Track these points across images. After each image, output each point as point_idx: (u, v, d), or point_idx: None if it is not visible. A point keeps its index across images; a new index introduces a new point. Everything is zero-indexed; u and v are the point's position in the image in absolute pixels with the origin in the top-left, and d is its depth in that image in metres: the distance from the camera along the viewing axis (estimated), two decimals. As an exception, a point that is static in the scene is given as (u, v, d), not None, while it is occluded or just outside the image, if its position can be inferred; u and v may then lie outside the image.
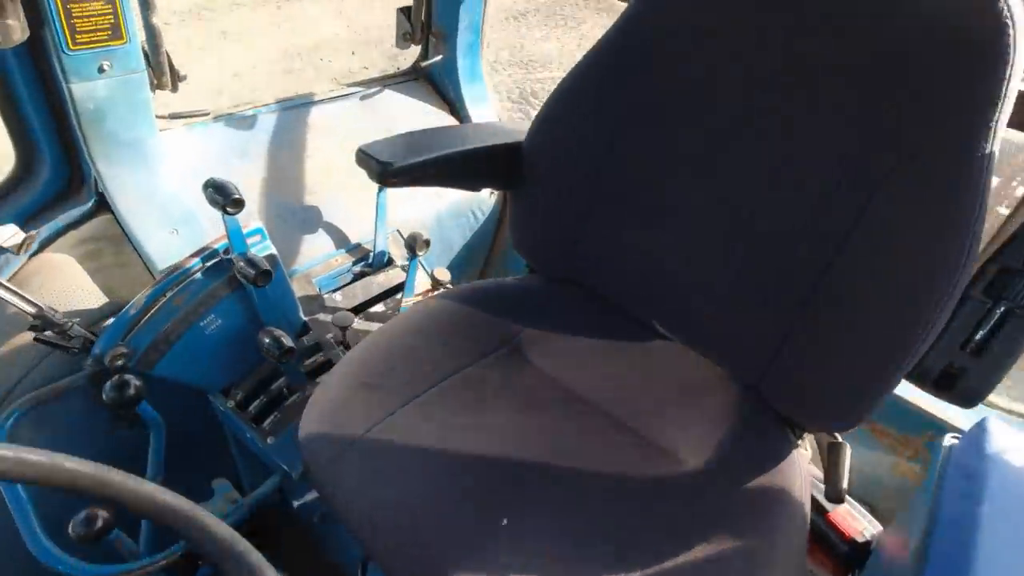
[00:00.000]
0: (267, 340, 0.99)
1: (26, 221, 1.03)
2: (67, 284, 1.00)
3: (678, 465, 0.79)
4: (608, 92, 0.89)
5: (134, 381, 0.88)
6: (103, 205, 1.05)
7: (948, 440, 0.78)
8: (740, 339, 0.86)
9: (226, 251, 1.01)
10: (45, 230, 1.02)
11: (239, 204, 0.92)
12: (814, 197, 0.75)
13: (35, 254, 1.02)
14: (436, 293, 1.02)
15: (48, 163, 1.02)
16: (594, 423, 0.84)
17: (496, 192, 1.52)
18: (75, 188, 1.07)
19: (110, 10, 0.88)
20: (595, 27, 5.74)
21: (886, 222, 0.69)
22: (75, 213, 1.04)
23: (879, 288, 0.70)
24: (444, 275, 1.24)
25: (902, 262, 0.68)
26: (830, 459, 0.84)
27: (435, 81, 1.55)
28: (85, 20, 0.86)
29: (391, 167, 0.84)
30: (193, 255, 0.99)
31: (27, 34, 0.82)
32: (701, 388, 0.91)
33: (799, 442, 0.85)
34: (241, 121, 1.26)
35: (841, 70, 0.71)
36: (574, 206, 0.96)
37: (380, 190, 1.22)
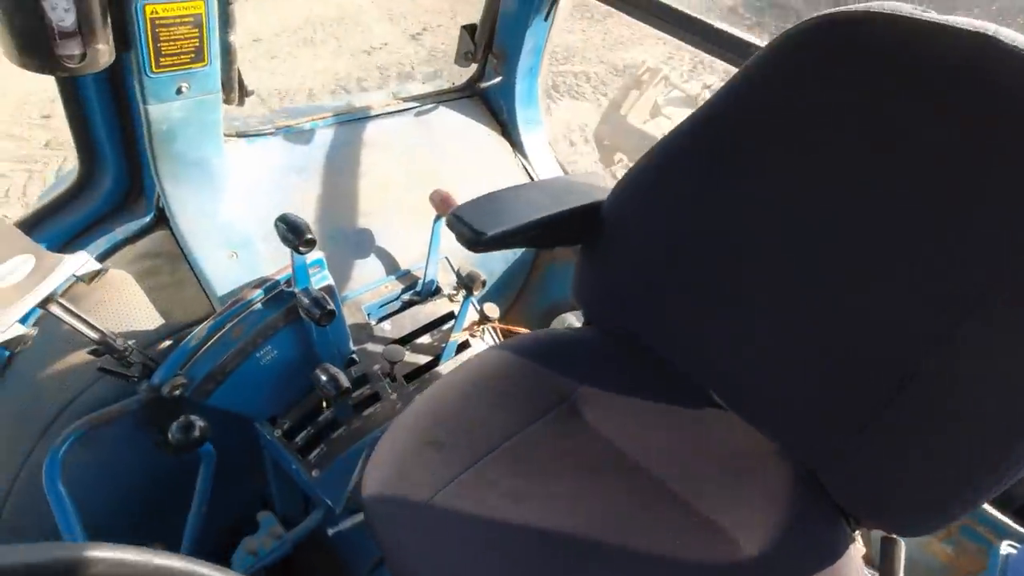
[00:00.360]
0: (324, 378, 0.97)
1: (84, 231, 1.00)
2: (124, 303, 0.97)
3: (735, 550, 0.79)
4: (700, 165, 0.87)
5: (199, 422, 0.86)
6: (161, 220, 1.03)
7: (1005, 548, 0.79)
8: (804, 424, 0.86)
9: (287, 283, 0.99)
10: (104, 242, 0.99)
11: (311, 244, 0.90)
12: (912, 301, 0.74)
13: (91, 267, 0.99)
14: (494, 344, 1.01)
15: (111, 175, 0.99)
16: (651, 495, 0.85)
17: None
18: (133, 200, 1.03)
19: (196, 34, 0.85)
20: (619, 23, 5.66)
21: (989, 342, 0.68)
22: (133, 226, 1.01)
23: (972, 408, 0.69)
24: (493, 311, 1.23)
25: (1000, 387, 0.68)
26: (884, 554, 0.85)
27: (489, 101, 1.51)
28: (171, 44, 0.83)
29: (484, 236, 0.83)
30: (255, 286, 0.97)
31: (114, 57, 0.78)
32: (755, 464, 0.91)
33: (854, 535, 0.86)
34: (299, 135, 1.22)
35: (967, 178, 0.70)
36: (647, 268, 0.96)
37: (437, 219, 1.20)
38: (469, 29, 1.38)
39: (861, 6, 0.74)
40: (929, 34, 0.68)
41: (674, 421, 0.96)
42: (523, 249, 1.49)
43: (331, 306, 0.95)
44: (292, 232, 0.89)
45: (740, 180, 0.85)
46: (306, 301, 0.95)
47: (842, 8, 0.76)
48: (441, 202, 1.18)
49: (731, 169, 0.85)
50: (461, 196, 1.32)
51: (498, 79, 1.44)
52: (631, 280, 0.97)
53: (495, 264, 1.46)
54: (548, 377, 0.96)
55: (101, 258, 0.99)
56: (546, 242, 0.96)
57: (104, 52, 0.76)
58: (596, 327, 1.08)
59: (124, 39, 0.80)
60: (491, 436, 0.87)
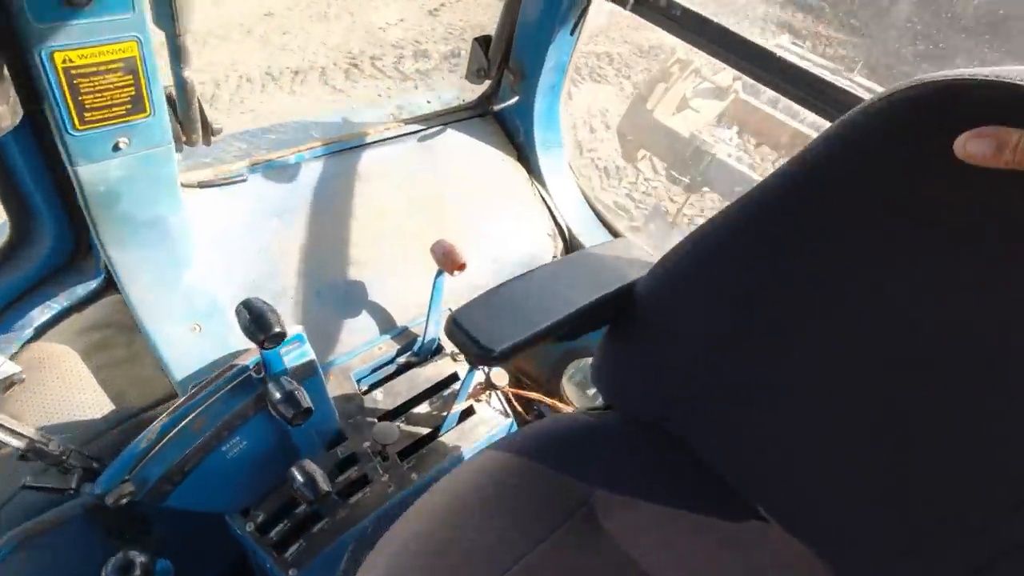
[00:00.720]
0: (300, 478, 0.81)
1: (18, 298, 0.83)
2: (67, 385, 0.80)
3: None
4: (763, 246, 0.68)
5: (139, 559, 0.70)
6: (112, 283, 0.85)
7: None
8: (871, 558, 0.69)
9: (258, 367, 0.82)
10: (43, 312, 0.82)
11: (278, 339, 0.72)
12: (997, 463, 0.57)
13: (32, 341, 0.82)
14: (496, 442, 0.83)
15: (49, 233, 0.81)
16: None
17: (559, 256, 1.31)
18: (81, 257, 0.86)
19: (131, 81, 0.65)
20: None
21: None
22: (80, 291, 0.84)
23: None
24: (501, 378, 1.05)
25: None
26: None
27: (504, 120, 1.30)
28: (97, 96, 0.63)
29: (493, 353, 0.64)
30: (218, 374, 0.80)
31: (20, 117, 0.59)
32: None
33: None
34: (280, 172, 1.03)
35: None
36: (686, 358, 0.78)
37: (439, 273, 1.01)
38: (482, 42, 1.16)
39: (990, 71, 0.52)
40: None
41: (709, 532, 0.79)
42: (537, 289, 1.31)
43: (307, 403, 0.78)
44: (256, 324, 0.71)
45: (814, 269, 0.66)
46: (277, 396, 0.77)
47: (962, 74, 0.54)
48: (444, 256, 0.99)
49: (801, 256, 0.66)
50: (470, 231, 1.13)
51: (514, 99, 1.22)
52: (667, 368, 0.80)
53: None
54: (562, 478, 0.80)
55: (40, 331, 0.82)
56: (570, 336, 0.78)
57: (4, 115, 0.57)
58: (619, 413, 0.91)
59: (34, 95, 0.61)
60: (497, 561, 0.71)
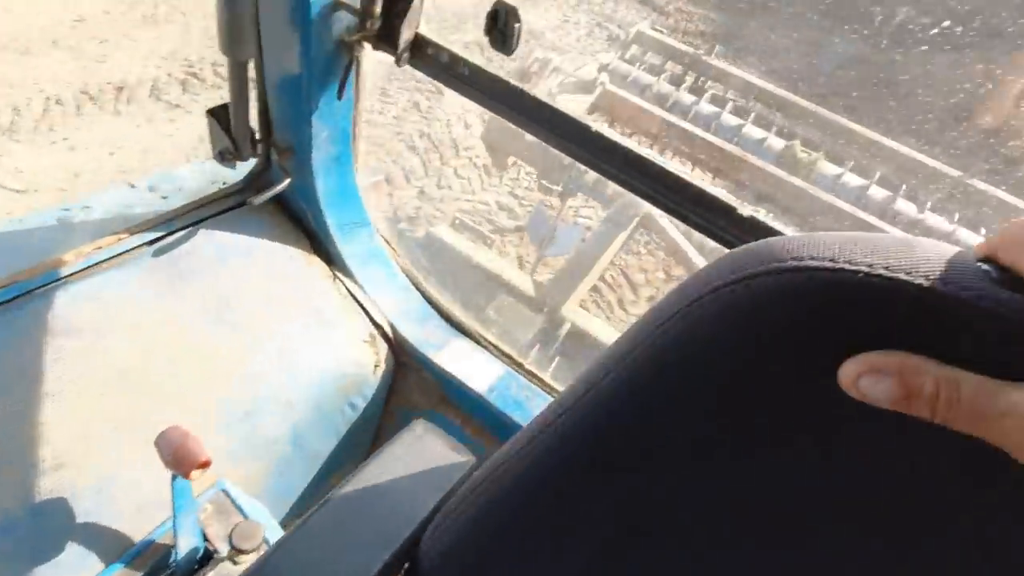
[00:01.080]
0: None
1: None
2: None
3: None
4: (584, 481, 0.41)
5: None
6: None
7: None
8: None
9: None
10: None
11: None
12: None
13: None
14: None
15: None
16: None
17: (383, 365, 0.99)
18: None
19: None
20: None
21: None
22: None
23: None
24: None
25: None
26: None
27: (286, 203, 0.95)
28: None
29: None
30: None
31: None
32: None
33: None
34: None
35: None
36: None
37: (175, 477, 0.68)
38: (218, 115, 0.79)
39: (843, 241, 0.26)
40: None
41: None
42: (360, 411, 0.99)
43: None
44: None
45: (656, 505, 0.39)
46: None
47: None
48: (174, 457, 0.65)
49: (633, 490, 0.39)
50: (249, 370, 0.81)
51: (287, 181, 0.88)
52: None
53: (320, 448, 0.94)
54: None
55: None
56: None
57: None
58: None
59: None
60: None
